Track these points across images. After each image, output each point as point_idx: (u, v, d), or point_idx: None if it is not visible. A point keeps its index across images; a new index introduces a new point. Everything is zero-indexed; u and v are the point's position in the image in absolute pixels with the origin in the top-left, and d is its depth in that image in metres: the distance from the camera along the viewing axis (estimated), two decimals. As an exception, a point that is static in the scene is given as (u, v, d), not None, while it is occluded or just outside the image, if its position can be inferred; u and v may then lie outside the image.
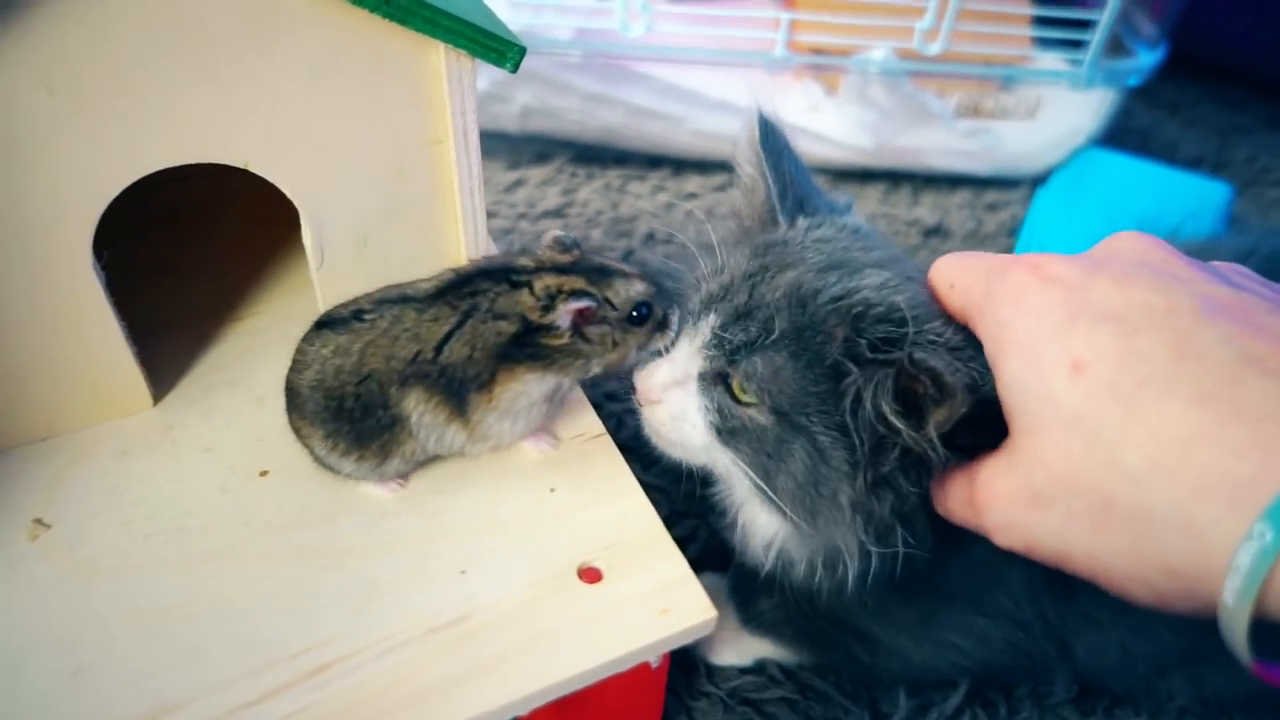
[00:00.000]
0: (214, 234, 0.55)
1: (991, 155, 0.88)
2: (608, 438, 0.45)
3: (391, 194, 0.43)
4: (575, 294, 0.38)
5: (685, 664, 0.51)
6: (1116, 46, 0.84)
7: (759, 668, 0.51)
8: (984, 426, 0.33)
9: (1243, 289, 0.29)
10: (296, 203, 0.41)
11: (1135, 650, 0.45)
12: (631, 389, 0.43)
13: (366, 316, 0.39)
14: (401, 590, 0.38)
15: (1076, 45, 0.82)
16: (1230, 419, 0.25)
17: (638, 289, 0.40)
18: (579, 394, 0.48)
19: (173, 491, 0.41)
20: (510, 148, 0.89)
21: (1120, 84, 0.84)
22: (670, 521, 0.59)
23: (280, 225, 0.48)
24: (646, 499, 0.43)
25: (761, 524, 0.43)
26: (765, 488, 0.38)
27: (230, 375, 0.47)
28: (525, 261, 0.40)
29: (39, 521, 0.40)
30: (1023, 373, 0.30)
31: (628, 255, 0.80)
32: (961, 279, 0.36)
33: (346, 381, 0.38)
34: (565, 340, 0.38)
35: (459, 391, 0.39)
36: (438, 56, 0.39)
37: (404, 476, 0.42)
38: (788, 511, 0.38)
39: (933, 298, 0.38)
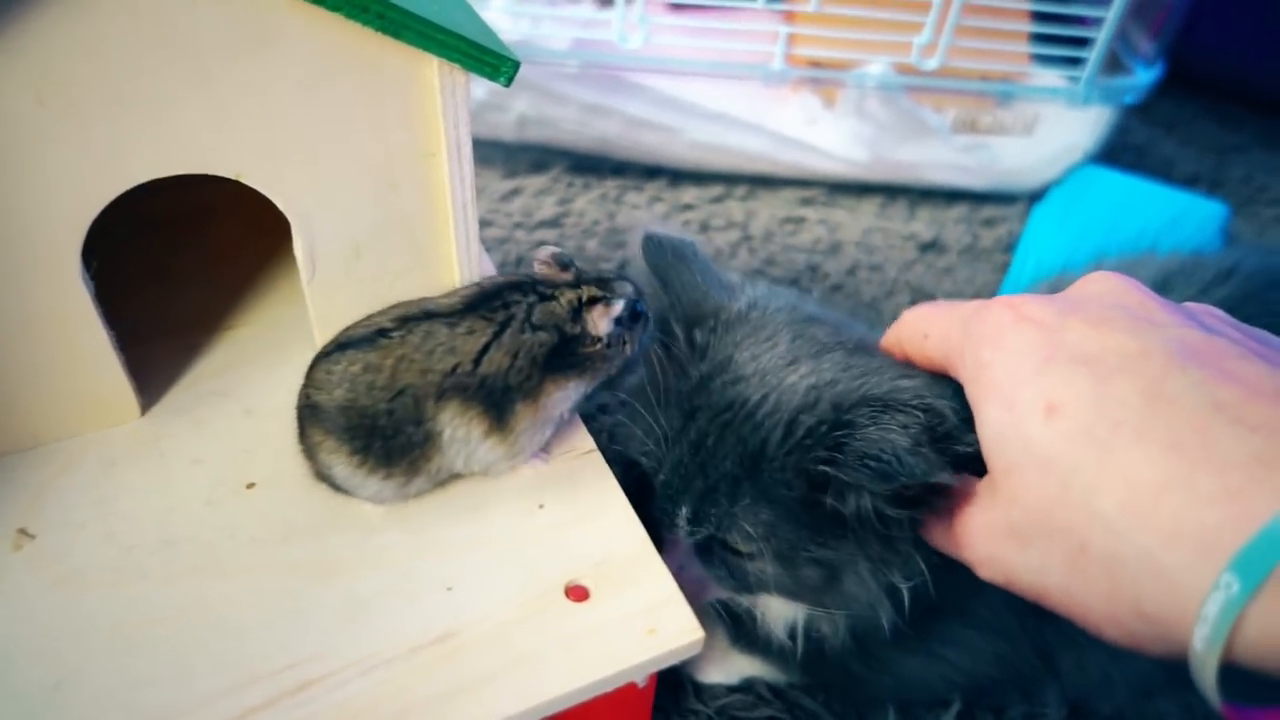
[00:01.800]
0: (205, 241, 0.54)
1: (988, 171, 0.88)
2: (598, 454, 0.45)
3: (384, 206, 0.43)
4: (596, 300, 0.40)
5: (673, 682, 0.50)
6: (1114, 64, 0.84)
7: (747, 686, 0.51)
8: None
9: (1215, 332, 0.30)
10: (288, 214, 0.41)
11: (1114, 673, 0.45)
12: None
13: (393, 334, 0.39)
14: (387, 607, 0.38)
15: (1074, 62, 0.82)
16: (1199, 467, 0.25)
17: (631, 289, 0.42)
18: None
19: (159, 503, 0.41)
20: (507, 157, 0.89)
21: (1117, 102, 0.84)
22: (660, 539, 0.59)
23: (272, 234, 0.48)
24: (636, 516, 0.42)
25: (780, 611, 0.44)
26: (809, 608, 0.41)
27: (220, 385, 0.47)
28: (544, 282, 0.42)
29: (23, 532, 0.39)
30: (1000, 414, 0.31)
31: (623, 266, 0.80)
32: (937, 327, 0.37)
33: (380, 398, 0.38)
34: (597, 348, 0.40)
35: (500, 402, 0.39)
36: (431, 70, 0.39)
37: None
38: (823, 610, 0.40)
39: (865, 347, 0.41)
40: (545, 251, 0.42)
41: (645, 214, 0.86)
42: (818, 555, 0.38)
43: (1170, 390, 0.27)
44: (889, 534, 0.37)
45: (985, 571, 0.33)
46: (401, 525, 0.41)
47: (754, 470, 0.38)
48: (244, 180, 0.39)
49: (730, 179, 0.90)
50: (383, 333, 0.40)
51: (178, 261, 0.53)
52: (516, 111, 0.83)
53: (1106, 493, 0.27)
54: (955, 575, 0.42)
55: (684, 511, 0.40)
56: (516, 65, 0.39)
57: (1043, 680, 0.47)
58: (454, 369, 0.38)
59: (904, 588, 0.38)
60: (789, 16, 0.84)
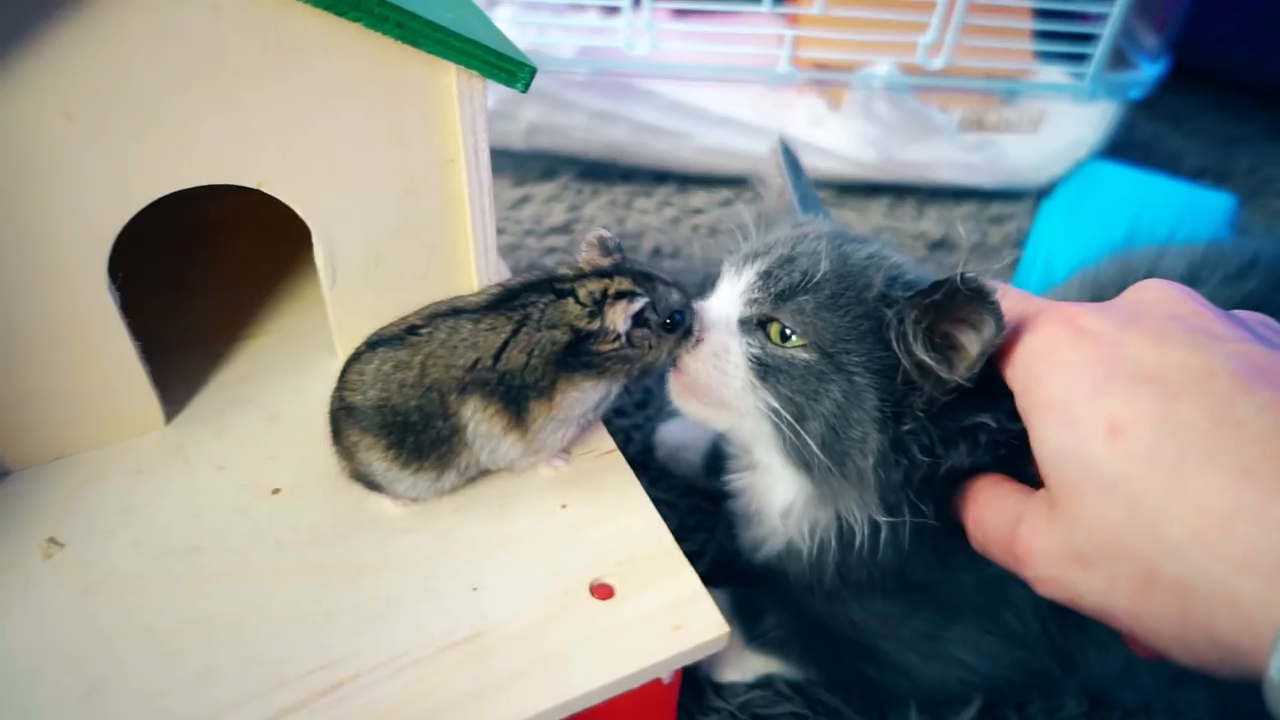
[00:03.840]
0: (226, 252, 0.55)
1: (995, 168, 0.88)
2: (618, 454, 0.46)
3: (403, 213, 0.43)
4: (623, 294, 0.39)
5: (691, 682, 0.50)
6: (1119, 59, 0.84)
7: (766, 683, 0.51)
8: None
9: (1274, 346, 0.29)
10: (309, 222, 0.42)
11: (1139, 664, 0.45)
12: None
13: (421, 331, 0.40)
14: (414, 608, 0.38)
15: (1079, 59, 0.82)
16: (1273, 494, 0.25)
17: (677, 297, 0.41)
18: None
19: (186, 510, 0.42)
20: (516, 165, 0.90)
21: (1123, 97, 0.85)
22: (679, 536, 0.58)
23: (292, 243, 0.48)
24: (658, 515, 0.43)
25: (780, 492, 0.44)
26: (798, 428, 0.39)
27: (242, 393, 0.47)
28: (566, 270, 0.42)
29: (53, 540, 0.40)
30: (1058, 432, 0.30)
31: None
32: None
33: (410, 395, 0.39)
34: (616, 346, 0.40)
35: (518, 399, 0.39)
36: (449, 77, 0.40)
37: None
38: (816, 453, 0.39)
39: None
40: (594, 233, 0.42)
41: (655, 218, 0.86)
42: (850, 376, 0.38)
43: (1239, 413, 0.27)
44: (909, 401, 0.37)
45: (1045, 590, 0.32)
46: (427, 527, 0.41)
47: (839, 261, 0.40)
48: (266, 189, 0.40)
49: (738, 182, 0.90)
50: (412, 330, 0.40)
51: (197, 273, 0.54)
52: (525, 120, 0.84)
53: (1176, 520, 0.27)
54: (978, 581, 0.42)
55: (756, 266, 0.41)
56: (533, 71, 0.40)
57: (1060, 681, 0.47)
58: (475, 364, 0.39)
59: (882, 522, 0.39)
60: (794, 19, 0.85)
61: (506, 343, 0.39)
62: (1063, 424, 0.30)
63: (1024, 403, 0.32)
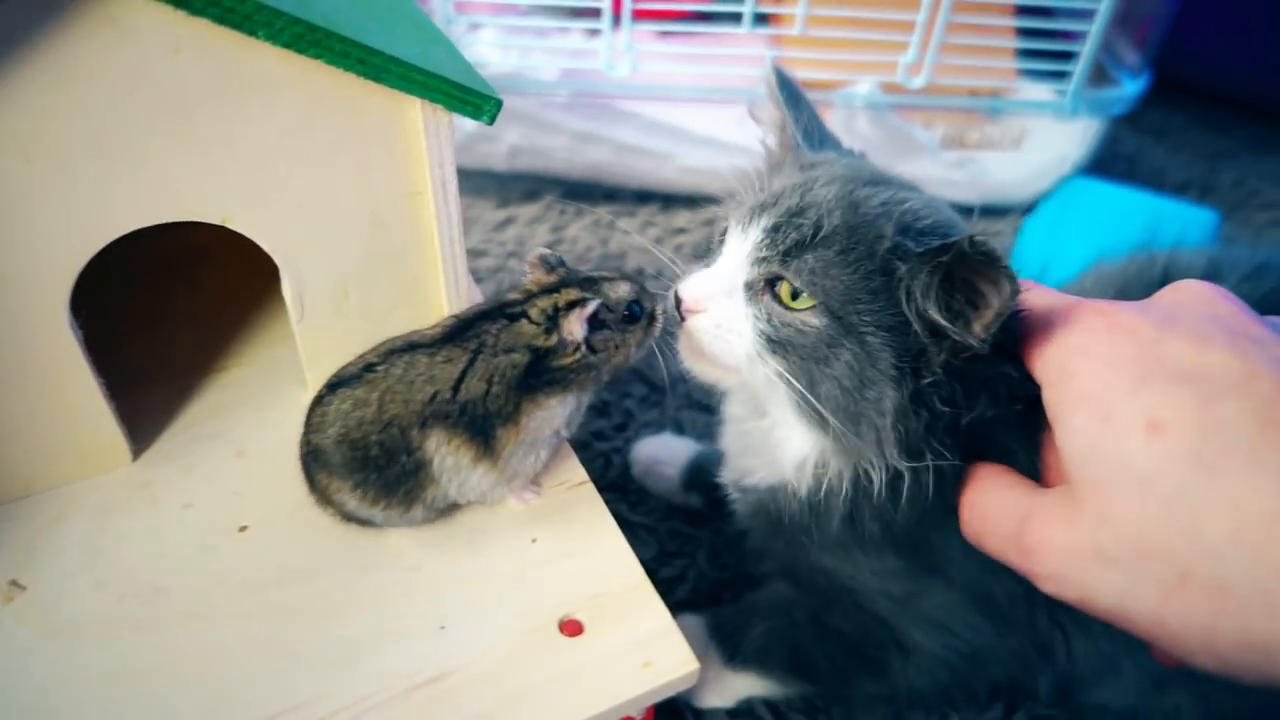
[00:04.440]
0: (197, 284, 0.55)
1: (978, 185, 0.88)
2: (590, 486, 0.45)
3: (371, 246, 0.43)
4: (574, 304, 0.39)
5: (670, 709, 0.50)
6: (1100, 76, 0.85)
7: (746, 708, 0.51)
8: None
9: None
10: (275, 257, 0.41)
11: (1126, 664, 0.44)
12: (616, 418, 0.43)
13: (378, 368, 0.40)
14: (380, 648, 0.38)
15: (1061, 76, 0.82)
16: None
17: (626, 289, 0.41)
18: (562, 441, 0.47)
19: (151, 550, 0.41)
20: (499, 186, 0.89)
21: (1104, 113, 0.85)
22: (659, 562, 0.59)
23: (262, 275, 0.48)
24: (629, 548, 0.42)
25: (795, 443, 0.42)
26: (809, 395, 0.38)
27: (211, 428, 0.47)
28: (515, 295, 0.41)
29: (14, 583, 0.39)
30: (1092, 427, 0.29)
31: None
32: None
33: (370, 431, 0.39)
34: (576, 357, 0.39)
35: (484, 428, 0.39)
36: (414, 110, 0.39)
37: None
38: (830, 418, 0.38)
39: None
40: (534, 253, 0.42)
41: (637, 238, 0.86)
42: (861, 337, 0.36)
43: None
44: (926, 357, 0.36)
45: (1052, 587, 0.31)
46: (394, 564, 0.41)
47: (849, 212, 0.38)
48: (230, 225, 0.40)
49: (721, 202, 0.90)
50: (369, 368, 0.40)
51: (169, 304, 0.54)
52: (508, 142, 0.84)
53: (1215, 520, 0.26)
54: (969, 551, 0.41)
55: (762, 222, 0.39)
56: (499, 104, 0.40)
57: (1037, 669, 0.47)
58: (433, 397, 0.39)
59: (904, 468, 0.37)
60: (775, 40, 0.85)
61: (464, 373, 0.39)
62: (1098, 419, 0.29)
63: (1054, 396, 0.32)
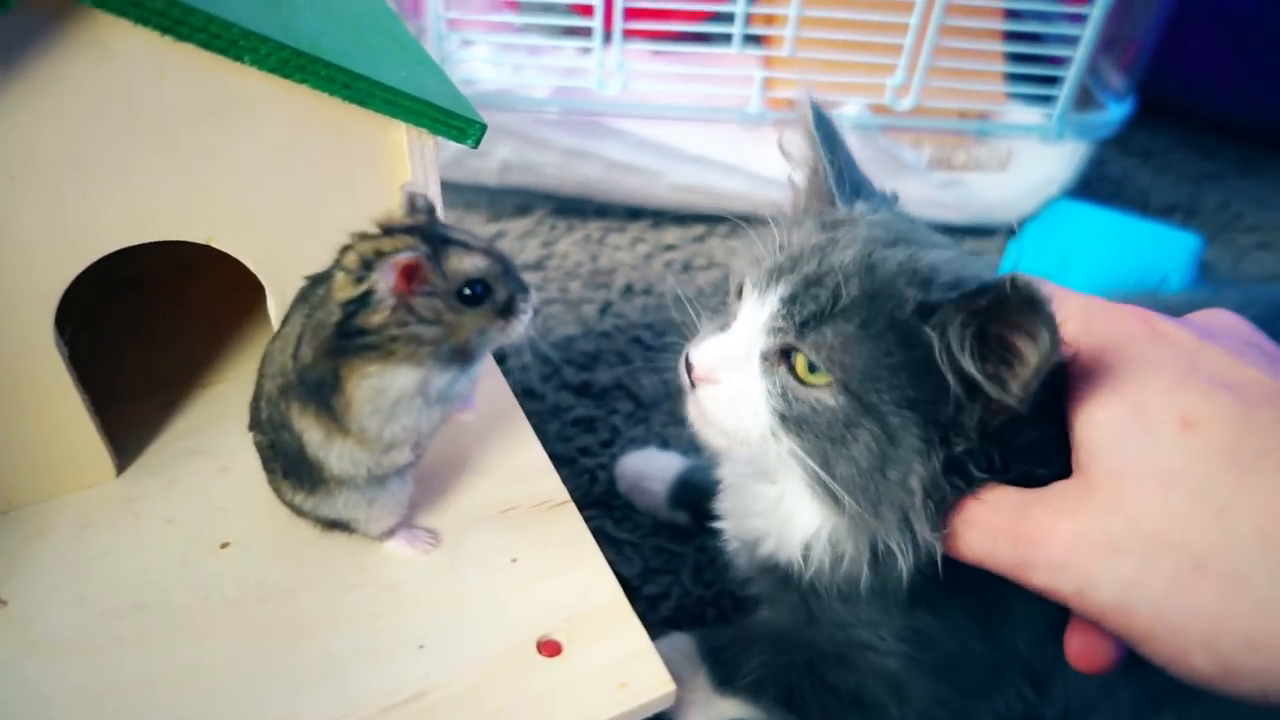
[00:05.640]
0: (183, 299, 0.55)
1: (966, 206, 0.89)
2: (572, 505, 0.45)
3: (356, 265, 0.43)
4: (389, 254, 0.32)
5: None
6: (1086, 99, 0.86)
7: (731, 731, 0.51)
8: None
9: None
10: (261, 277, 0.42)
11: (1120, 686, 0.44)
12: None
13: (273, 344, 0.38)
14: (357, 666, 0.38)
15: (1047, 99, 0.83)
16: None
17: (474, 263, 0.34)
18: (543, 458, 0.48)
19: (133, 565, 0.41)
20: (490, 201, 0.90)
21: (1090, 137, 0.86)
22: (643, 578, 0.59)
23: (249, 289, 0.48)
24: (608, 568, 0.42)
25: (805, 518, 0.40)
26: (825, 476, 0.36)
27: (195, 444, 0.47)
28: (345, 241, 0.35)
29: (-5, 598, 0.39)
30: (1121, 417, 0.30)
31: (606, 307, 0.80)
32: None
33: (261, 412, 0.38)
34: (387, 315, 0.33)
35: (323, 398, 0.35)
36: (399, 133, 0.40)
37: (431, 534, 0.43)
38: (846, 499, 0.36)
39: None
40: (405, 187, 0.36)
41: (628, 255, 0.87)
42: (882, 416, 0.34)
43: None
44: (960, 423, 0.33)
45: (1049, 578, 0.30)
46: (374, 581, 0.41)
47: (867, 278, 0.35)
48: (216, 245, 0.40)
49: (712, 219, 0.91)
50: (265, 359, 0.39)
51: (155, 319, 0.54)
52: (499, 157, 0.84)
53: (1243, 516, 0.26)
54: (968, 594, 0.40)
55: (779, 290, 0.36)
56: (483, 128, 0.40)
57: (1036, 707, 0.47)
58: (282, 369, 0.36)
59: (935, 542, 0.34)
60: (765, 61, 0.86)
61: (300, 337, 0.35)
62: (1129, 410, 0.29)
63: (1083, 387, 0.31)
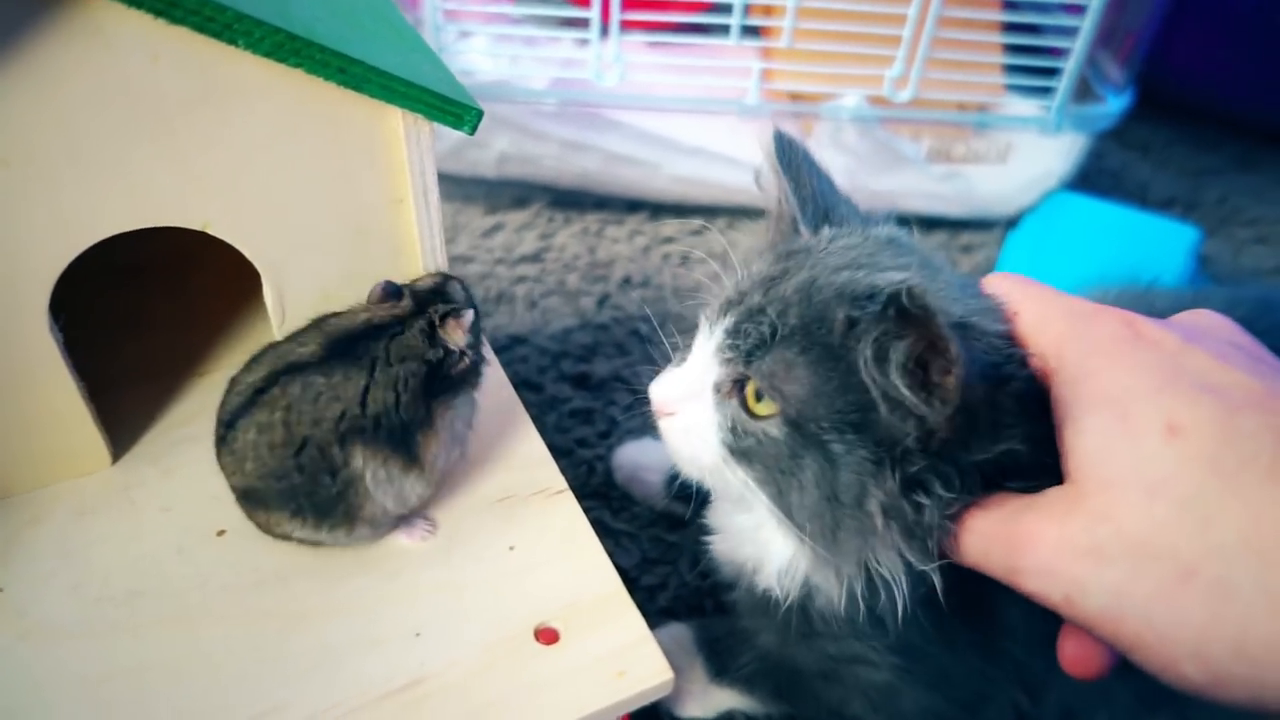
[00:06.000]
0: (180, 287, 0.55)
1: (964, 198, 0.89)
2: (569, 494, 0.45)
3: (352, 254, 0.43)
4: (446, 317, 0.41)
5: (651, 717, 0.50)
6: (1085, 92, 0.85)
7: (728, 718, 0.51)
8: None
9: None
10: (257, 264, 0.42)
11: (1115, 687, 0.44)
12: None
13: (269, 390, 0.39)
14: (355, 654, 0.38)
15: (1046, 91, 0.83)
16: None
17: (460, 289, 0.43)
18: (541, 447, 0.48)
19: (128, 553, 0.41)
20: (488, 193, 0.90)
21: (1089, 129, 0.86)
22: (641, 569, 0.59)
23: (246, 278, 0.48)
24: (606, 556, 0.42)
25: (776, 548, 0.41)
26: (778, 508, 0.36)
27: (192, 431, 0.47)
28: (381, 315, 0.41)
29: (-10, 585, 0.39)
30: (1107, 425, 0.29)
31: (604, 299, 0.80)
32: (1033, 309, 0.34)
33: (284, 455, 0.38)
34: (465, 362, 0.41)
35: (403, 438, 0.39)
36: (395, 119, 0.40)
37: (429, 522, 0.44)
38: (804, 530, 0.36)
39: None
40: (376, 289, 0.42)
41: (626, 247, 0.86)
42: (824, 445, 0.34)
43: None
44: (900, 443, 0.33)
45: (1036, 583, 0.30)
46: (371, 570, 0.41)
47: (805, 306, 0.35)
48: (212, 231, 0.40)
49: (710, 211, 0.91)
50: (259, 391, 0.39)
51: (152, 307, 0.54)
52: (497, 149, 0.84)
53: (1229, 524, 0.26)
54: (962, 605, 0.40)
55: (725, 322, 0.37)
56: (479, 114, 0.40)
57: (1029, 713, 0.47)
58: (343, 414, 0.38)
59: (929, 569, 0.34)
60: (763, 52, 0.86)
61: (367, 387, 0.39)
62: (1115, 418, 0.29)
63: (1069, 394, 0.31)
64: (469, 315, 0.41)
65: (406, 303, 0.41)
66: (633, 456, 0.63)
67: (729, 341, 0.37)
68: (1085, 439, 0.30)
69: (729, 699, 0.50)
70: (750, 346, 0.36)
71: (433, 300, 0.41)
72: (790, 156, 0.43)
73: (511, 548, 0.42)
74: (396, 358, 0.40)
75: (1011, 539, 0.32)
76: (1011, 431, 0.33)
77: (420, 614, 0.39)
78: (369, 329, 0.40)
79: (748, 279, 0.39)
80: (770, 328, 0.36)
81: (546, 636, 0.39)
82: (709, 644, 0.50)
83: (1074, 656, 0.32)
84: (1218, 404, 0.28)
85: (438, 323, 0.41)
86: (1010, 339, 0.34)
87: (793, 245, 0.40)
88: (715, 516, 0.47)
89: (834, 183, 0.44)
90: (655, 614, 0.55)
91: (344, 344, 0.40)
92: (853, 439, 0.34)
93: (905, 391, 0.31)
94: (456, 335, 0.41)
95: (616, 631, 0.39)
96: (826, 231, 0.40)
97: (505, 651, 0.38)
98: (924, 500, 0.33)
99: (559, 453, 0.49)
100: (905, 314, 0.31)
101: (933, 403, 0.31)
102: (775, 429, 0.35)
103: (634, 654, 0.38)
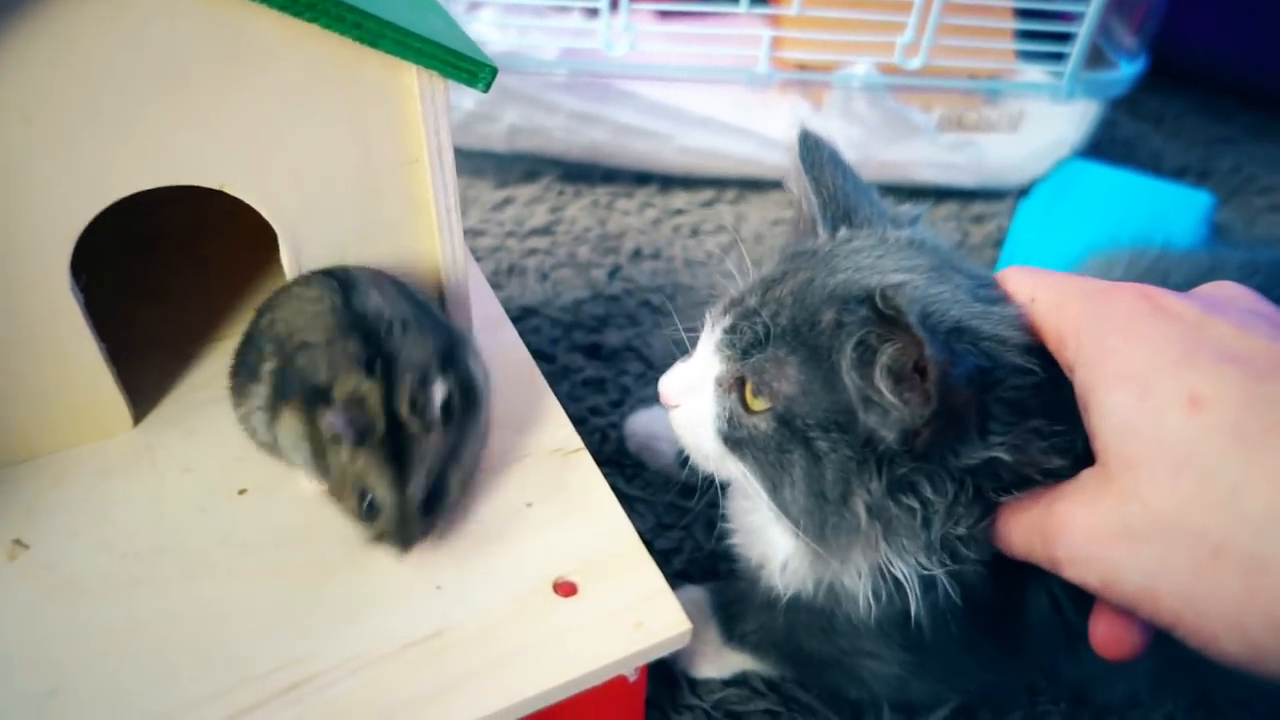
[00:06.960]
0: (197, 256, 0.55)
1: (976, 167, 0.88)
2: (585, 452, 0.46)
3: (368, 214, 0.43)
4: (423, 382, 0.38)
5: (667, 678, 0.50)
6: (1097, 59, 0.85)
7: (741, 679, 0.51)
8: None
9: None
10: (274, 224, 0.42)
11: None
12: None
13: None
14: (377, 607, 0.38)
15: (1058, 58, 0.83)
16: None
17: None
18: (556, 407, 0.48)
19: (152, 512, 0.42)
20: (498, 166, 0.90)
21: (1101, 96, 0.85)
22: (655, 533, 0.59)
23: (263, 245, 0.48)
24: (623, 513, 0.43)
25: (777, 544, 0.42)
26: (773, 502, 0.38)
27: (212, 394, 0.47)
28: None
29: (18, 542, 0.40)
30: (1129, 403, 0.29)
31: (615, 271, 0.80)
32: (1049, 295, 0.34)
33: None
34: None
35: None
36: (410, 77, 0.40)
37: None
38: (795, 524, 0.37)
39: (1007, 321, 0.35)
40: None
41: (636, 219, 0.86)
42: (809, 441, 0.35)
43: None
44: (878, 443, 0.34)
45: (1075, 571, 0.30)
46: (391, 527, 0.41)
47: (798, 307, 0.36)
48: (229, 191, 0.40)
49: (719, 183, 0.90)
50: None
51: (170, 276, 0.54)
52: (507, 122, 0.84)
53: (1256, 495, 0.26)
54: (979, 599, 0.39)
55: (725, 321, 0.39)
56: (494, 71, 0.40)
57: (1040, 688, 0.47)
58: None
59: (938, 573, 0.34)
60: (773, 20, 0.85)
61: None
62: (1137, 395, 0.29)
63: (1090, 376, 0.31)
64: (446, 386, 0.38)
65: (379, 386, 0.38)
66: (645, 425, 0.63)
67: (727, 339, 0.38)
68: (1108, 419, 0.30)
69: (743, 661, 0.51)
70: (745, 344, 0.37)
71: (403, 365, 0.38)
72: (815, 156, 0.43)
73: (529, 504, 0.43)
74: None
75: (1047, 529, 0.32)
76: (1003, 436, 0.33)
77: (440, 569, 0.40)
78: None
79: (754, 280, 0.40)
80: (764, 328, 0.37)
81: (565, 589, 0.39)
82: (723, 607, 0.51)
83: (1105, 638, 0.32)
84: (1240, 373, 0.27)
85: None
86: (1017, 345, 0.33)
87: (800, 247, 0.41)
88: (732, 516, 0.48)
89: (861, 182, 0.44)
90: (670, 577, 0.55)
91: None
92: (837, 437, 0.35)
93: (884, 393, 0.32)
94: (437, 401, 0.38)
95: (634, 584, 0.40)
96: (843, 233, 0.41)
97: (525, 604, 0.38)
98: (912, 503, 0.34)
99: (573, 420, 0.50)
100: (880, 316, 0.31)
101: (910, 404, 0.32)
102: (765, 423, 0.37)
103: (651, 605, 0.39)
